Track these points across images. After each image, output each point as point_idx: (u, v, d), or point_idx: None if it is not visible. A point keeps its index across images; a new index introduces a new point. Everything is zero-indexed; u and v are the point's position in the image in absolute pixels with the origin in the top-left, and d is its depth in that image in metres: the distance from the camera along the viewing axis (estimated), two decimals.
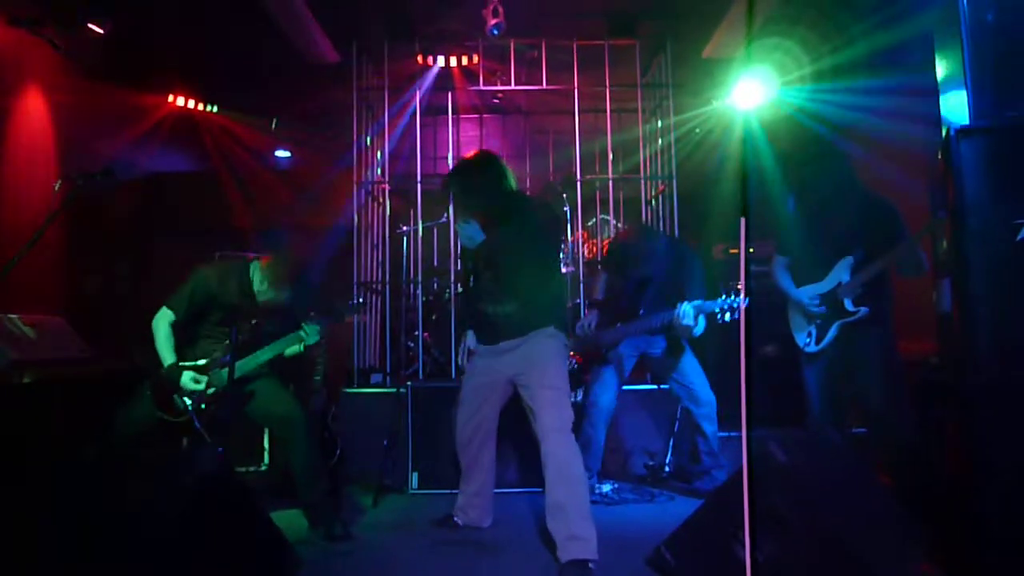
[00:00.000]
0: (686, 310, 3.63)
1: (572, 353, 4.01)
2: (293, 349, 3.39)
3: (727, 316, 3.57)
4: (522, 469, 4.30)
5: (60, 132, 5.01)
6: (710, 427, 4.05)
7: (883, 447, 3.31)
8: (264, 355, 3.32)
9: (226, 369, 3.18)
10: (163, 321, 3.25)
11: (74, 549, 2.13)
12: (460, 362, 3.64)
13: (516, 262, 3.20)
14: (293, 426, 3.36)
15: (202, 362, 3.25)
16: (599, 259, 5.03)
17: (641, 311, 3.89)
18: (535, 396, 3.18)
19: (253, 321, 3.32)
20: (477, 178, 3.28)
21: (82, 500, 2.31)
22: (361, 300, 3.59)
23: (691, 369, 4.04)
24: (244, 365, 3.27)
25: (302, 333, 3.31)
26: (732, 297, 3.55)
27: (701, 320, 3.69)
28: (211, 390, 3.22)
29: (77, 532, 2.18)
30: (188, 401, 3.19)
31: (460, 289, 3.83)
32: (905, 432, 3.23)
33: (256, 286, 3.38)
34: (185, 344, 3.30)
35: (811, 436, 3.30)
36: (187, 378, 3.19)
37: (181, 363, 3.23)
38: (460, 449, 3.51)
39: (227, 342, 3.22)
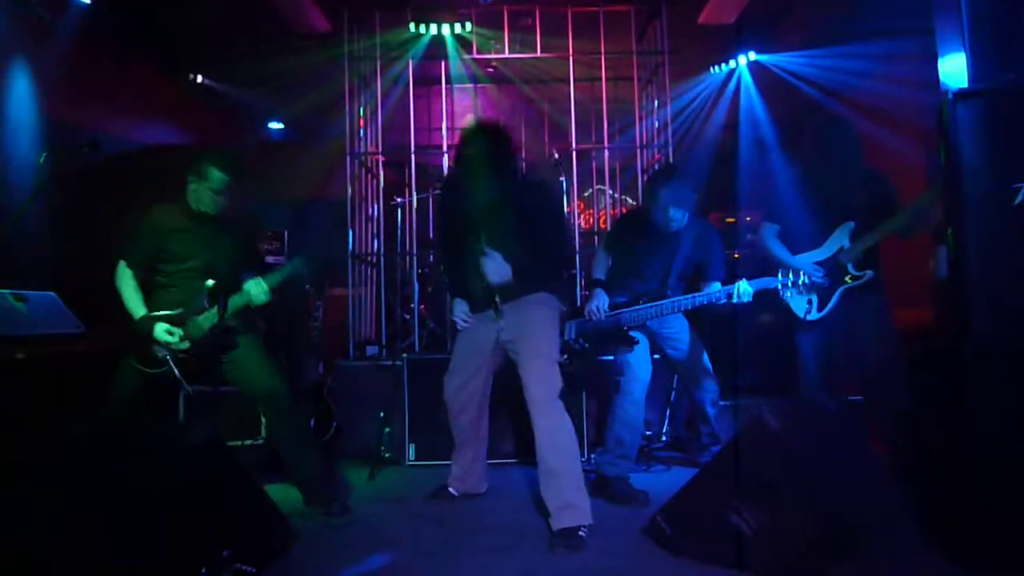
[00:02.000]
0: (744, 288, 3.38)
1: (579, 339, 3.69)
2: (276, 279, 3.18)
3: (788, 294, 3.37)
4: (516, 441, 4.31)
5: (46, 104, 4.93)
6: (712, 410, 3.95)
7: (878, 413, 3.30)
8: (275, 278, 3.16)
9: (203, 316, 3.10)
10: (123, 276, 3.17)
11: (64, 524, 2.12)
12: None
13: (510, 224, 3.14)
14: (276, 402, 3.27)
15: (177, 312, 3.11)
16: (605, 233, 4.69)
17: (668, 292, 3.62)
18: (525, 366, 3.15)
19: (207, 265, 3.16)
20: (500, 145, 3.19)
21: (74, 475, 2.30)
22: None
23: (696, 352, 3.83)
24: (233, 302, 3.13)
25: (291, 265, 3.19)
26: (791, 276, 3.32)
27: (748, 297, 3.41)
28: (185, 343, 3.10)
29: (68, 507, 2.17)
30: (167, 352, 3.10)
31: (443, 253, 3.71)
32: (901, 398, 3.22)
33: (196, 203, 3.19)
34: (151, 296, 3.20)
35: (805, 404, 3.29)
36: (160, 330, 3.07)
37: (153, 314, 3.12)
38: (452, 419, 3.50)
39: (196, 291, 3.10)
